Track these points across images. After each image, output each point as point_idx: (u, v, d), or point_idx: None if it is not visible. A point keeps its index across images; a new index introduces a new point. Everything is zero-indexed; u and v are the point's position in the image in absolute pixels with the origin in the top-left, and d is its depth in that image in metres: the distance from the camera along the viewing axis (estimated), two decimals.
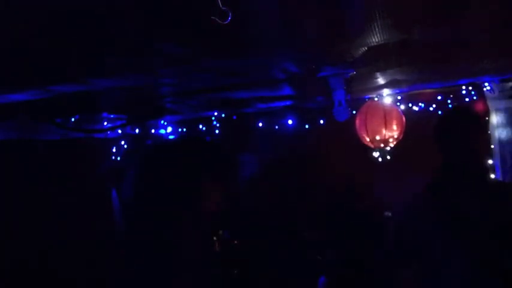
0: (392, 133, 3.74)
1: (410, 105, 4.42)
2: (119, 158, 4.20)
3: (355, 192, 4.61)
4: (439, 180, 2.07)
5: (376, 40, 2.23)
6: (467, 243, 1.87)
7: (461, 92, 4.27)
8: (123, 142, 4.22)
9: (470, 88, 4.22)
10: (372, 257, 4.01)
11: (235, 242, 4.65)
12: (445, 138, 2.08)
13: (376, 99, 4.06)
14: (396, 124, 3.74)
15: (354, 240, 4.33)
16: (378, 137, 3.72)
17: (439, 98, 4.39)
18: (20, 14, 1.42)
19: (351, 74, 2.89)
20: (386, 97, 4.07)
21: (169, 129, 4.35)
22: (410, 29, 2.14)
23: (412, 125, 4.06)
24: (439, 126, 2.15)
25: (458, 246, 1.89)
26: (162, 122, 4.28)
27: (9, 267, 3.24)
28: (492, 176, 2.11)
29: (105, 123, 3.74)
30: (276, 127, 4.62)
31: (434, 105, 4.44)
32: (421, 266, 2.02)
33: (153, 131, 4.24)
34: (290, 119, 4.53)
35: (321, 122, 4.60)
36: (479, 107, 4.33)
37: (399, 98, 4.30)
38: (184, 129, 4.59)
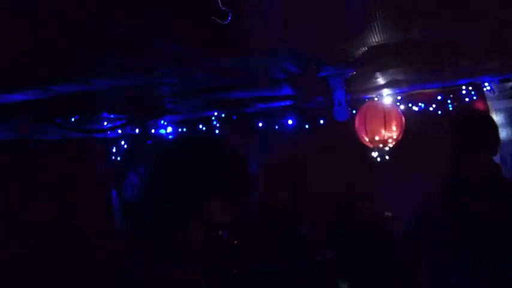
0: (391, 134, 3.73)
1: (410, 105, 4.42)
2: (119, 158, 4.20)
3: (355, 194, 4.62)
4: (452, 181, 2.06)
5: (376, 40, 2.23)
6: (480, 243, 1.87)
7: (461, 92, 4.27)
8: (123, 142, 4.22)
9: (470, 88, 4.23)
10: (375, 257, 4.01)
11: (235, 242, 4.64)
12: (457, 140, 2.06)
13: (376, 99, 4.06)
14: (396, 125, 3.73)
15: (355, 240, 4.33)
16: (377, 138, 3.72)
17: (439, 98, 4.40)
18: (20, 14, 1.42)
19: (351, 74, 2.89)
20: (386, 97, 4.07)
21: (169, 129, 4.35)
22: (410, 29, 2.14)
23: (412, 125, 4.05)
24: (451, 128, 2.12)
25: (470, 246, 1.88)
26: (162, 122, 4.28)
27: (7, 266, 3.24)
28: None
29: (105, 123, 3.74)
30: (276, 127, 4.62)
31: (434, 105, 4.44)
32: (432, 267, 2.01)
33: (153, 131, 4.24)
34: (290, 119, 4.53)
35: (321, 122, 4.60)
36: (479, 107, 4.34)
37: (399, 98, 4.30)
38: (185, 129, 4.59)
